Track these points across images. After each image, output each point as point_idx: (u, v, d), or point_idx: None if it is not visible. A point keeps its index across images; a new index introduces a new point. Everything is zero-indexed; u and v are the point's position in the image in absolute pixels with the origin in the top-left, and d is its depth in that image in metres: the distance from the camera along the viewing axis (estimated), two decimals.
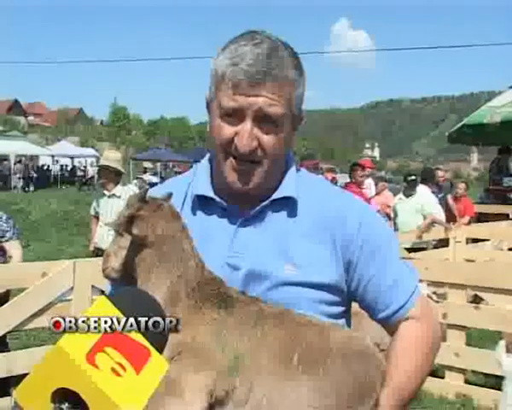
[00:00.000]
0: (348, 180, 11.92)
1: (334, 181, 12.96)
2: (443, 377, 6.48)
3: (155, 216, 1.75)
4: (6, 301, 5.77)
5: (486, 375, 6.34)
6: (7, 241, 6.43)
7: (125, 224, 1.73)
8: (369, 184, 12.55)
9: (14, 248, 6.51)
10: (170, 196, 1.80)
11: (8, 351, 5.75)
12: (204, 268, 1.76)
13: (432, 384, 6.16)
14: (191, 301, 1.69)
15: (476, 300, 6.56)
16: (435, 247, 10.49)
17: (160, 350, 1.44)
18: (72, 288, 5.53)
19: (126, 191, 8.01)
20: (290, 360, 1.60)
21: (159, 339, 1.43)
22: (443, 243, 10.65)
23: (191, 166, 2.39)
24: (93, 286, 5.44)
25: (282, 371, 1.59)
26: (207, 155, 2.04)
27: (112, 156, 8.50)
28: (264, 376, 1.58)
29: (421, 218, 10.63)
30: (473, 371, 6.56)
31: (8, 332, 5.60)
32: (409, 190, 11.13)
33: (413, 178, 11.35)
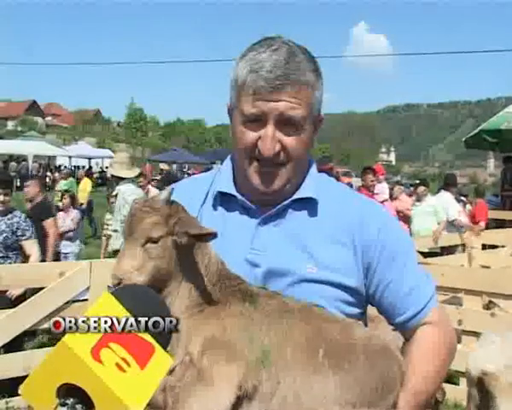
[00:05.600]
0: (361, 184, 11.95)
1: (349, 185, 12.93)
2: (458, 384, 6.44)
3: (191, 217, 1.78)
4: (23, 300, 5.83)
5: None
6: (26, 239, 6.52)
7: (161, 230, 1.71)
8: (382, 188, 12.51)
9: (32, 247, 6.60)
10: (171, 192, 1.79)
11: (22, 350, 5.81)
12: (224, 265, 1.79)
13: (447, 391, 6.10)
14: (217, 294, 1.73)
15: (490, 305, 6.52)
16: (442, 253, 10.47)
17: (164, 346, 1.45)
18: (88, 288, 5.58)
19: (117, 190, 8.20)
20: (316, 355, 1.63)
21: (162, 336, 1.44)
22: (451, 249, 10.63)
23: (207, 168, 2.42)
24: (109, 287, 5.47)
25: (308, 366, 1.62)
26: (229, 155, 2.07)
27: (114, 159, 8.86)
28: (290, 370, 1.61)
29: (433, 221, 10.68)
30: None
31: (26, 331, 5.65)
32: (418, 195, 11.38)
33: (417, 182, 12.02)
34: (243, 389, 1.58)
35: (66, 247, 10.21)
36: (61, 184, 17.94)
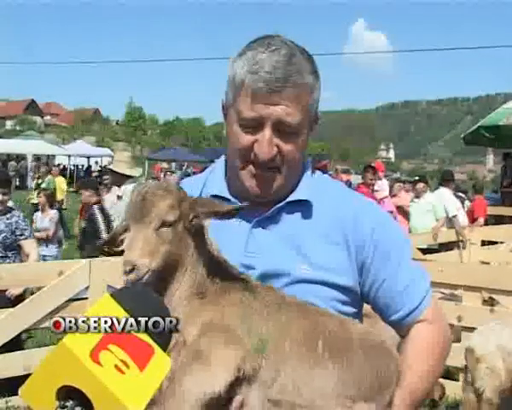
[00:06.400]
0: (360, 181, 11.99)
1: (348, 182, 12.98)
2: (457, 380, 6.44)
3: (206, 198, 1.78)
4: (23, 299, 5.84)
5: None
6: (25, 239, 6.52)
7: (178, 212, 1.68)
8: (382, 185, 12.55)
9: (30, 246, 6.61)
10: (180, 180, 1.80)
11: (22, 349, 5.81)
12: (222, 253, 1.79)
13: (446, 387, 6.12)
14: (217, 282, 1.72)
15: (493, 303, 6.51)
16: (440, 250, 10.47)
17: (164, 348, 1.44)
18: (87, 287, 5.58)
19: (124, 191, 8.09)
20: (315, 347, 1.64)
21: (162, 337, 1.44)
22: (451, 245, 10.63)
23: (206, 167, 2.41)
24: (109, 285, 5.48)
25: (308, 358, 1.63)
26: (222, 157, 2.05)
27: (117, 158, 8.69)
28: (290, 361, 1.62)
29: (432, 219, 10.69)
30: None
31: (25, 331, 5.66)
32: (417, 192, 11.42)
33: (416, 178, 12.12)
34: (242, 370, 1.57)
35: (45, 249, 9.68)
36: (46, 183, 17.57)
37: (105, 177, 12.87)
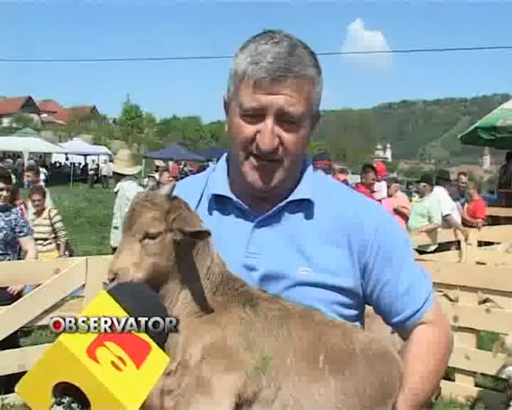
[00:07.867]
0: (358, 181, 11.93)
1: (345, 182, 12.95)
2: (453, 380, 6.45)
3: (191, 214, 1.74)
4: (19, 296, 5.84)
5: (496, 378, 6.32)
6: (24, 236, 6.53)
7: (163, 225, 1.67)
8: (380, 186, 12.52)
9: (29, 244, 6.61)
10: (173, 187, 1.77)
11: (19, 347, 5.81)
12: (225, 266, 1.77)
13: (442, 387, 6.13)
14: (218, 298, 1.71)
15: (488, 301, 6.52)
16: (436, 250, 10.46)
17: (161, 345, 1.44)
18: (84, 285, 5.58)
19: (119, 187, 8.16)
20: (316, 361, 1.62)
21: (160, 335, 1.43)
22: (445, 246, 10.60)
23: (203, 166, 2.40)
24: (105, 283, 5.47)
25: (309, 372, 1.62)
26: (224, 155, 2.04)
27: (117, 156, 8.87)
28: (291, 376, 1.60)
29: (424, 221, 10.64)
30: (483, 374, 6.53)
31: (21, 328, 5.65)
32: (420, 192, 11.35)
33: (417, 179, 12.17)
34: (243, 397, 1.57)
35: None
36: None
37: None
